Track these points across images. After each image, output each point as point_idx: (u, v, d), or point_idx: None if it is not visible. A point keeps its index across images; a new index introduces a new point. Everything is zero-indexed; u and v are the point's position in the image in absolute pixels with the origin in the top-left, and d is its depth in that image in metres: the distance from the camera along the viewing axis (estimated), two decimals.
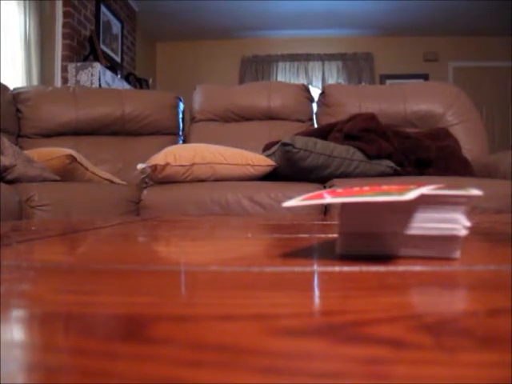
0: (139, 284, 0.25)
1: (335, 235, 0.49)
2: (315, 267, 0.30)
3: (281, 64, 5.84)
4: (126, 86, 4.05)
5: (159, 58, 6.04)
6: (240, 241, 0.49)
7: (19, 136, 2.26)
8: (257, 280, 0.26)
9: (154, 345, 0.15)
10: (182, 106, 2.49)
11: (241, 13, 5.18)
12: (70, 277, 0.28)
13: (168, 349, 0.15)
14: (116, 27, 4.38)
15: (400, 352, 0.14)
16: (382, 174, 1.70)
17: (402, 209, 0.31)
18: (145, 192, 1.66)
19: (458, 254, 0.31)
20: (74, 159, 1.79)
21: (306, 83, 2.85)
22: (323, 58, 5.79)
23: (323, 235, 0.52)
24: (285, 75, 5.82)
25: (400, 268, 0.29)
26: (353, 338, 0.15)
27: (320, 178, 1.67)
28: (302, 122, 2.37)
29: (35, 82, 3.25)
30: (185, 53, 5.94)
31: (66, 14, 3.56)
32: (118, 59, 4.38)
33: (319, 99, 2.39)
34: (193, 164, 1.66)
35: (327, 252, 0.38)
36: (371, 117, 1.84)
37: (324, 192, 0.36)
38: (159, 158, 1.67)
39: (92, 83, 3.48)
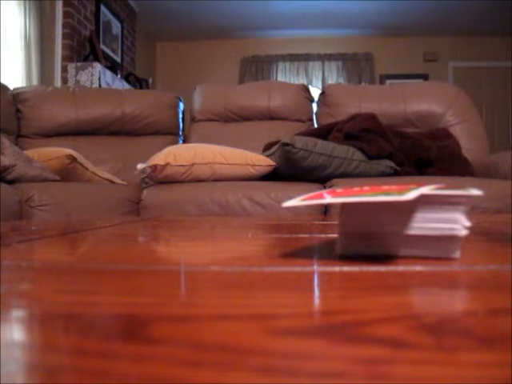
0: (139, 284, 0.25)
1: (335, 235, 0.49)
2: (315, 267, 0.30)
3: (281, 64, 5.84)
4: (126, 85, 4.05)
5: (159, 58, 6.04)
6: (240, 241, 0.49)
7: (19, 136, 2.26)
8: (257, 280, 0.26)
9: (153, 345, 0.15)
10: (181, 105, 2.49)
11: (241, 13, 5.18)
12: (70, 277, 0.28)
13: (168, 349, 0.15)
14: (116, 27, 4.38)
15: (400, 352, 0.14)
16: (382, 174, 1.70)
17: (401, 209, 0.31)
18: (145, 192, 1.66)
19: (457, 253, 0.31)
20: (73, 159, 1.79)
21: (305, 83, 2.85)
22: (323, 57, 5.79)
23: (323, 235, 0.52)
24: (285, 75, 5.82)
25: (400, 268, 0.29)
26: (353, 338, 0.15)
27: (320, 178, 1.67)
28: (302, 122, 2.37)
29: (35, 81, 3.25)
30: (185, 53, 5.94)
31: (65, 14, 3.56)
32: (118, 59, 4.38)
33: (319, 99, 2.39)
34: (193, 164, 1.66)
35: (327, 252, 0.38)
36: (371, 117, 1.84)
37: (324, 192, 0.36)
38: (159, 158, 1.67)
39: (92, 83, 3.48)
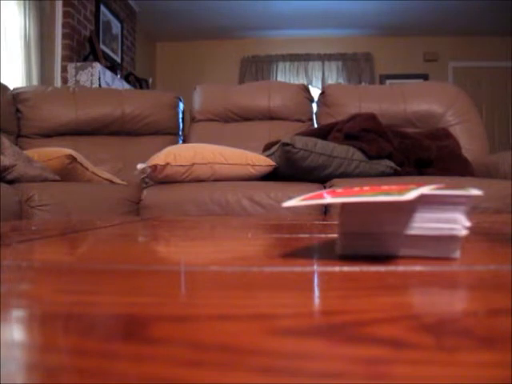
0: (139, 284, 0.25)
1: (335, 235, 0.49)
2: (315, 267, 0.30)
3: (281, 64, 5.84)
4: (126, 85, 4.05)
5: (159, 58, 6.04)
6: (240, 241, 0.49)
7: (19, 136, 2.26)
8: (257, 280, 0.26)
9: (154, 345, 0.15)
10: (181, 106, 2.49)
11: (241, 13, 5.18)
12: (70, 277, 0.28)
13: (168, 349, 0.15)
14: (116, 27, 4.38)
15: (400, 352, 0.14)
16: (382, 174, 1.70)
17: (401, 209, 0.31)
18: (145, 192, 1.66)
19: (457, 253, 0.31)
20: (73, 159, 1.79)
21: (305, 83, 2.85)
22: (323, 57, 5.79)
23: (323, 235, 0.52)
24: (285, 75, 5.82)
25: (400, 268, 0.29)
26: (353, 338, 0.15)
27: (320, 177, 1.67)
28: (302, 122, 2.37)
29: (35, 81, 3.25)
30: (185, 53, 5.94)
31: (65, 14, 3.56)
32: (118, 59, 4.38)
33: (319, 99, 2.39)
34: (193, 164, 1.66)
35: (327, 252, 0.38)
36: (371, 117, 1.84)
37: (324, 192, 0.36)
38: (159, 158, 1.67)
39: (92, 83, 3.48)
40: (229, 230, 0.65)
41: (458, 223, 0.30)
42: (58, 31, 3.53)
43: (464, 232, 0.30)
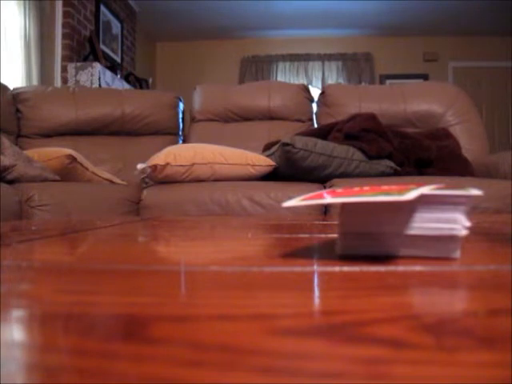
0: (139, 284, 0.25)
1: (335, 235, 0.49)
2: (315, 267, 0.30)
3: (281, 64, 5.84)
4: (126, 85, 4.05)
5: (159, 58, 6.04)
6: (240, 241, 0.49)
7: (19, 136, 2.26)
8: (257, 280, 0.26)
9: (153, 345, 0.15)
10: (181, 106, 2.49)
11: (241, 13, 5.18)
12: (70, 277, 0.28)
13: (168, 349, 0.15)
14: (116, 27, 4.38)
15: (400, 352, 0.14)
16: (382, 174, 1.70)
17: (401, 209, 0.31)
18: (145, 192, 1.66)
19: (457, 253, 0.31)
20: (73, 159, 1.79)
21: (305, 83, 2.85)
22: (323, 57, 5.79)
23: (323, 235, 0.52)
24: (285, 75, 5.82)
25: (400, 268, 0.29)
26: (353, 338, 0.15)
27: (320, 177, 1.67)
28: (302, 122, 2.37)
29: (35, 81, 3.25)
30: (185, 53, 5.94)
31: (65, 14, 3.56)
32: (118, 59, 4.38)
33: (319, 99, 2.39)
34: (193, 164, 1.66)
35: (327, 252, 0.38)
36: (371, 117, 1.84)
37: (324, 192, 0.36)
38: (159, 158, 1.67)
39: (92, 83, 3.48)
40: (229, 229, 0.65)
41: (458, 223, 0.30)
42: (58, 31, 3.53)
43: (464, 232, 0.30)
